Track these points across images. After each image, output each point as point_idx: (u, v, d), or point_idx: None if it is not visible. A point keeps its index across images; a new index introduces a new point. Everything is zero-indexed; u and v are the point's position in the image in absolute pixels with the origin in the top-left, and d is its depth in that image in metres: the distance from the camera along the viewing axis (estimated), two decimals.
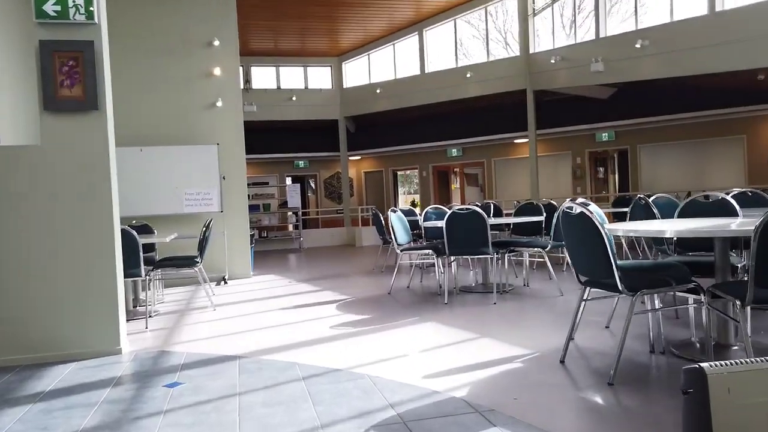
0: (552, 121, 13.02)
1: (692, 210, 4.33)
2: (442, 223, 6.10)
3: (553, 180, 13.80)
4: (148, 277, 5.60)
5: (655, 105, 12.33)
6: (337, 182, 17.62)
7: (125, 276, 4.86)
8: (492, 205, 9.24)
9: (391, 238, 8.89)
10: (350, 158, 16.30)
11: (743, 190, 5.58)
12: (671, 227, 3.08)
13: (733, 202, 4.13)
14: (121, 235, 4.50)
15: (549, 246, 5.80)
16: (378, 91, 14.66)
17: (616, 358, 3.07)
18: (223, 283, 8.09)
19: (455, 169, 16.99)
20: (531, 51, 12.44)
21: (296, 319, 5.28)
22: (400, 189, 21.16)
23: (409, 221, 7.00)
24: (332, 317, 5.26)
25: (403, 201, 23.15)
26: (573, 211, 3.19)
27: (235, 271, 8.45)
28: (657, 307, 3.66)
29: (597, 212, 3.09)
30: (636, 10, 9.53)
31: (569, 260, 3.40)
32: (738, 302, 2.65)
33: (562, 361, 3.45)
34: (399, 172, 19.46)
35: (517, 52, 12.73)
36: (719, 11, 7.70)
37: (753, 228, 2.53)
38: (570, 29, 12.01)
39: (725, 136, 12.21)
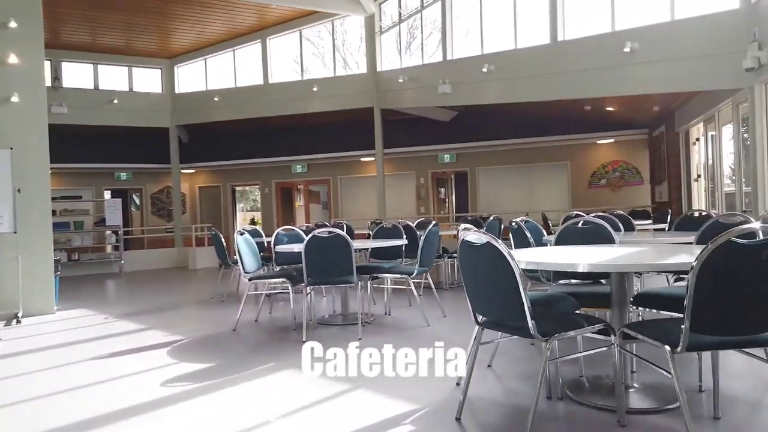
0: (397, 140, 12.96)
1: (568, 235, 4.14)
2: (297, 248, 5.37)
3: (397, 199, 13.74)
4: None
5: (492, 130, 12.85)
6: (167, 197, 15.86)
7: None
8: (345, 226, 8.69)
9: (232, 263, 7.89)
10: (183, 171, 14.76)
11: (603, 213, 5.65)
12: (584, 260, 2.70)
13: (608, 226, 3.99)
14: None
15: (415, 273, 5.35)
16: (216, 99, 13.47)
17: (532, 414, 2.59)
18: (15, 322, 6.44)
19: (299, 186, 16.27)
20: (378, 69, 12.27)
21: (112, 374, 4.15)
22: (238, 205, 19.84)
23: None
24: (162, 368, 4.22)
25: (242, 218, 21.82)
26: (476, 242, 2.69)
27: (33, 307, 6.80)
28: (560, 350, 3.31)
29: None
30: (482, 35, 9.74)
31: (468, 298, 2.89)
32: (668, 348, 2.31)
33: (458, 419, 2.91)
34: (237, 188, 18.20)
35: (365, 69, 12.49)
36: (560, 41, 8.06)
37: (691, 261, 2.20)
38: (416, 49, 12.05)
39: (552, 161, 13.09)
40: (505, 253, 2.51)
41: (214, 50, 13.79)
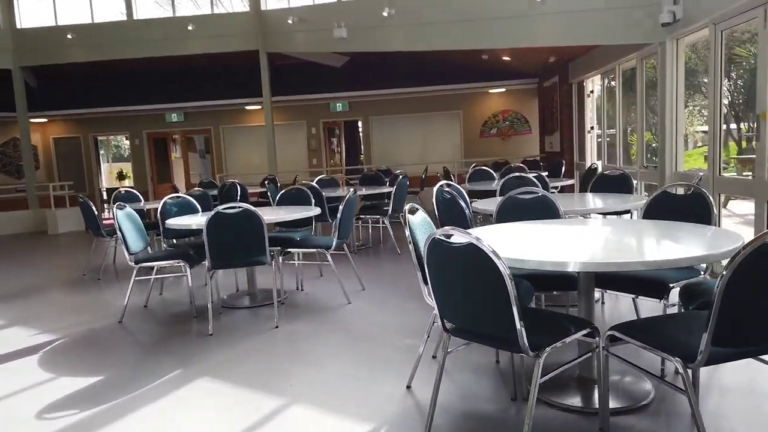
0: (286, 87, 12.01)
1: (511, 207, 3.81)
2: (195, 224, 4.61)
3: (288, 151, 12.88)
4: None
5: (386, 78, 12.32)
6: (14, 151, 13.64)
7: None
8: (238, 187, 7.86)
9: (106, 234, 6.83)
10: (33, 121, 12.68)
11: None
12: (576, 259, 2.32)
13: (556, 201, 3.71)
14: None
15: (334, 245, 4.81)
16: (69, 36, 11.51)
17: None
18: None
19: (174, 137, 14.75)
20: (263, 8, 11.12)
21: None
22: (102, 158, 17.76)
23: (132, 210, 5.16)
24: (36, 389, 3.38)
25: (108, 172, 19.65)
26: (453, 242, 2.21)
27: None
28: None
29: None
30: None
31: (435, 304, 2.44)
32: (678, 360, 2.04)
33: None
34: (101, 138, 16.19)
35: (247, 7, 11.27)
36: None
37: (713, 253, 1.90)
38: None
39: (446, 111, 12.91)
40: (495, 259, 2.07)
41: None
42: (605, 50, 7.71)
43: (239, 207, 4.22)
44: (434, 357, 3.43)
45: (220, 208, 4.19)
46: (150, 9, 11.88)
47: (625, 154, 8.12)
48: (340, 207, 4.86)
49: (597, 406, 2.66)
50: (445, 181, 5.30)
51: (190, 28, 11.10)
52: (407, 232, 2.94)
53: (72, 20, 11.87)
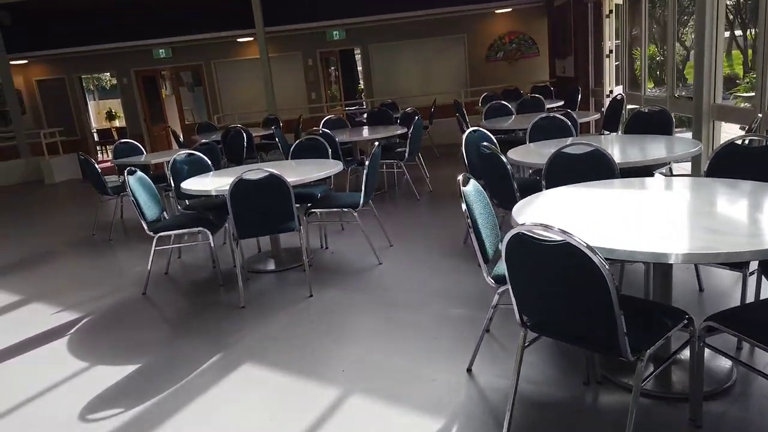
0: (278, 16, 11.25)
1: (560, 164, 3.53)
2: (208, 186, 4.33)
3: (284, 85, 12.27)
4: None
5: (385, 1, 11.55)
6: None
7: None
8: (244, 134, 7.47)
9: (113, 193, 6.53)
10: (13, 63, 11.94)
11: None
12: (675, 249, 2.07)
13: (611, 157, 3.41)
14: None
15: (361, 204, 4.55)
16: None
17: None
18: None
19: (163, 73, 14.02)
20: None
21: None
22: (88, 95, 17.02)
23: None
24: (68, 382, 3.21)
25: (96, 113, 18.93)
26: (544, 238, 1.95)
27: None
28: None
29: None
30: None
31: (513, 298, 2.22)
32: None
33: None
34: (85, 77, 15.43)
35: None
36: None
37: None
38: None
39: (449, 35, 12.24)
40: (592, 256, 1.83)
41: None
42: None
43: (263, 172, 3.92)
44: (488, 331, 3.27)
45: (243, 174, 3.88)
46: None
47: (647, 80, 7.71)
48: (366, 162, 4.56)
49: (677, 390, 2.52)
50: (474, 127, 4.99)
51: None
52: (463, 207, 2.68)
53: None
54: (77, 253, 6.00)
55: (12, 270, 5.51)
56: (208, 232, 4.32)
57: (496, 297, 2.87)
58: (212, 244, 4.42)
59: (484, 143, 4.01)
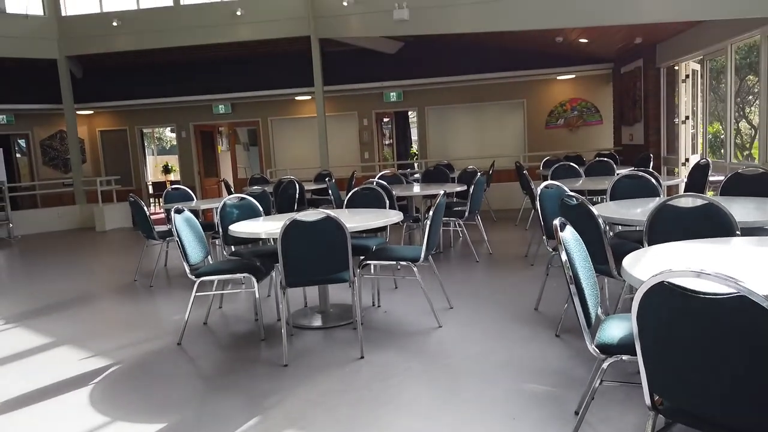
0: (336, 76, 11.32)
1: (666, 219, 3.02)
2: (265, 232, 3.98)
3: (338, 144, 12.21)
4: None
5: (443, 65, 11.52)
6: (61, 144, 13.37)
7: None
8: (296, 184, 7.24)
9: (159, 237, 6.30)
10: (79, 113, 12.35)
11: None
12: None
13: (728, 210, 2.89)
14: None
15: (422, 258, 4.09)
16: (115, 24, 11.07)
17: None
18: None
19: (220, 129, 14.26)
20: None
21: None
22: (147, 150, 17.50)
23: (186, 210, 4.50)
24: None
25: (153, 166, 19.44)
26: (699, 291, 1.45)
27: None
28: None
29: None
30: None
31: (643, 371, 1.70)
32: None
33: None
34: (146, 130, 15.88)
35: None
36: None
37: None
38: None
39: (508, 99, 12.03)
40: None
41: None
42: (711, 27, 6.75)
43: (320, 214, 3.54)
44: (576, 413, 2.69)
45: (297, 216, 3.52)
46: None
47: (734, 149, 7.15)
48: (430, 213, 4.14)
49: None
50: (550, 181, 4.54)
51: (239, 13, 10.53)
52: (563, 257, 2.21)
53: (117, 6, 11.42)
54: (116, 297, 5.70)
55: (47, 311, 5.24)
56: (254, 279, 3.93)
57: (596, 368, 2.32)
58: (257, 294, 4.02)
59: (569, 194, 3.54)
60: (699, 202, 2.95)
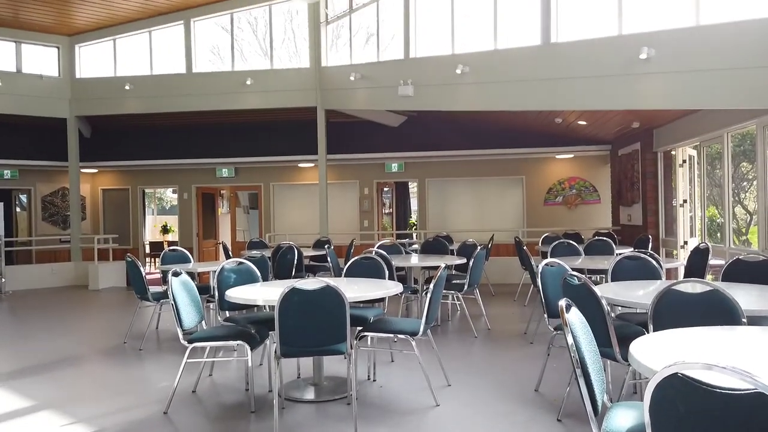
0: (339, 145, 11.55)
1: (672, 302, 2.98)
2: (255, 296, 3.93)
3: (338, 211, 12.28)
4: None
5: (445, 139, 11.78)
6: (62, 201, 13.43)
7: None
8: (295, 250, 7.22)
9: (153, 299, 6.20)
10: (83, 171, 12.49)
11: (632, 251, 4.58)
12: None
13: (734, 299, 2.85)
14: None
15: (421, 332, 4.01)
16: (127, 87, 11.40)
17: None
18: None
19: (222, 192, 14.37)
20: (323, 64, 10.83)
21: None
22: (147, 209, 17.55)
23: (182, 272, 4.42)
24: None
25: (152, 226, 19.44)
26: (714, 386, 1.40)
27: None
28: None
29: None
30: (452, 32, 8.58)
31: None
32: None
33: None
34: (148, 190, 15.99)
35: (307, 63, 10.99)
36: (554, 43, 7.05)
37: None
38: (368, 45, 10.71)
39: (508, 175, 12.21)
40: None
41: (126, 30, 11.68)
42: (707, 115, 6.95)
43: (319, 283, 3.50)
44: None
45: (296, 284, 3.47)
46: (208, 64, 11.74)
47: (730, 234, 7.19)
48: (431, 286, 4.09)
49: None
50: (551, 259, 4.53)
51: (248, 82, 10.86)
52: (569, 339, 2.16)
53: (131, 71, 11.79)
54: (104, 360, 5.54)
55: (31, 372, 5.07)
56: (247, 347, 3.83)
57: None
58: (249, 363, 3.91)
59: (572, 273, 3.52)
60: (704, 288, 2.92)
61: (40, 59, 11.91)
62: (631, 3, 6.33)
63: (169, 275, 4.07)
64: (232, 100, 11.05)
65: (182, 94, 11.29)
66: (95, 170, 13.29)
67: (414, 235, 12.94)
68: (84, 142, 12.28)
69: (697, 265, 5.97)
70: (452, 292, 6.33)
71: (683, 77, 5.77)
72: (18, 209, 14.01)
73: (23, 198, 13.84)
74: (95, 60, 12.13)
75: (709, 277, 6.07)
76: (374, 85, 9.82)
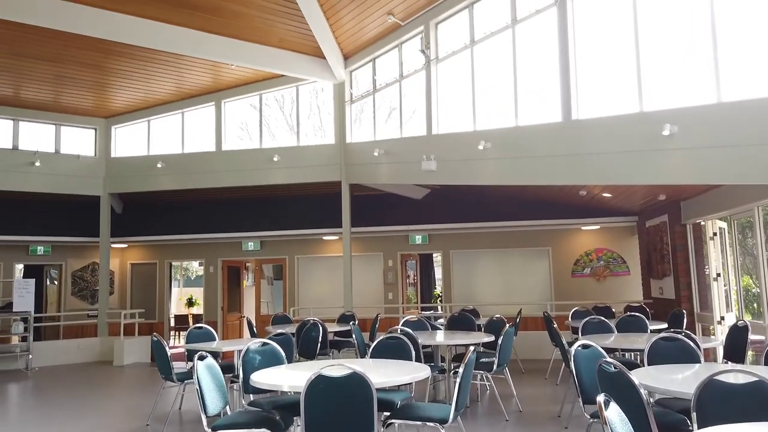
0: (363, 218, 11.64)
1: (716, 393, 2.83)
2: (287, 385, 3.84)
3: (362, 283, 12.23)
4: None
5: (469, 211, 11.80)
6: (91, 276, 13.67)
7: None
8: (320, 326, 7.14)
9: (177, 379, 6.13)
10: (113, 246, 12.76)
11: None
12: None
13: None
14: None
15: (451, 420, 3.87)
16: (159, 165, 11.81)
17: None
18: None
19: (247, 264, 14.48)
20: (348, 140, 11.11)
21: None
22: (173, 282, 17.71)
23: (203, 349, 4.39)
24: None
25: (177, 299, 19.56)
26: None
27: None
28: None
29: None
30: (474, 109, 8.78)
31: None
32: None
33: None
34: (175, 264, 16.20)
35: (332, 139, 11.30)
36: (575, 119, 7.16)
37: None
38: (390, 119, 11.00)
39: (533, 246, 12.11)
40: None
41: (160, 111, 12.23)
42: (735, 189, 6.87)
43: (346, 369, 3.43)
44: None
45: (323, 371, 3.41)
46: (237, 140, 12.14)
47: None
48: (460, 370, 3.98)
49: None
50: (585, 341, 4.39)
51: (275, 159, 11.17)
52: None
53: (163, 150, 12.25)
54: None
55: None
56: None
57: None
58: None
59: (607, 359, 3.39)
60: (747, 378, 2.78)
61: (77, 139, 12.47)
62: (651, 81, 6.42)
63: (195, 359, 4.03)
64: (259, 175, 11.33)
65: (212, 170, 11.63)
66: (125, 245, 13.55)
67: (439, 308, 12.77)
68: (115, 217, 12.61)
69: (736, 345, 5.73)
70: (481, 372, 6.14)
71: (707, 153, 5.75)
72: (48, 282, 14.26)
73: (54, 273, 14.12)
74: (129, 139, 12.66)
75: (750, 355, 5.82)
76: (398, 161, 9.99)
